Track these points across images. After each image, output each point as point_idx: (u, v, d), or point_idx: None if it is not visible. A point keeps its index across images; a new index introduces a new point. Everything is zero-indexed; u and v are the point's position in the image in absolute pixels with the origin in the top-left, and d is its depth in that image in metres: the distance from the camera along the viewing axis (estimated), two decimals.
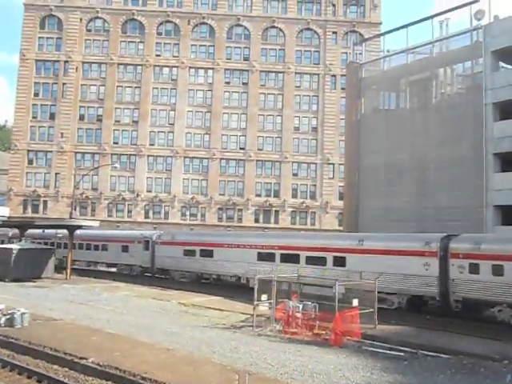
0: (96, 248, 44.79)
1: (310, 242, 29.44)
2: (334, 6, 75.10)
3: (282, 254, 29.51)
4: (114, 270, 44.78)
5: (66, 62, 73.56)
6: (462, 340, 18.16)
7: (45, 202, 71.67)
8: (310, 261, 27.71)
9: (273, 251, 30.07)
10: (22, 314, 18.59)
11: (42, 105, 73.69)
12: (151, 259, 39.28)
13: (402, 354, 16.27)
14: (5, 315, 18.71)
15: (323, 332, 18.45)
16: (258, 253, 30.84)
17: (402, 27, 38.90)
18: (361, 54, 47.42)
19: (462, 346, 16.93)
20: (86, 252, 45.23)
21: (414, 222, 33.09)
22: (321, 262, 27.23)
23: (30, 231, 46.38)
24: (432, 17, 37.83)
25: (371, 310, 19.73)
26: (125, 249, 42.01)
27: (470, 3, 34.47)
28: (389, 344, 17.21)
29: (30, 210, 71.32)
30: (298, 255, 28.69)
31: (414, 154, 35.56)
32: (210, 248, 34.57)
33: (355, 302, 19.19)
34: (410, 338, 18.36)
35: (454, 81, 37.76)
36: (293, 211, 71.16)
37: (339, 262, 26.37)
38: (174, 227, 61.36)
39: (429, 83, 37.28)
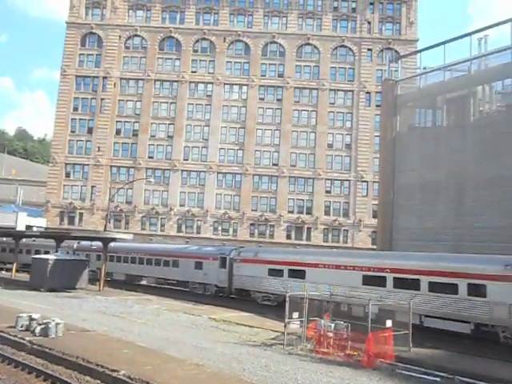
0: (166, 264, 42.02)
1: (434, 265, 24.62)
2: (369, 23, 75.09)
3: (395, 279, 25.46)
4: (175, 288, 42.53)
5: (104, 77, 75.59)
6: (503, 368, 17.44)
7: (80, 214, 73.18)
8: (435, 288, 23.84)
9: (383, 274, 26.15)
10: (57, 324, 18.86)
11: (80, 119, 75.69)
12: (228, 278, 35.83)
13: (437, 379, 15.73)
14: (40, 325, 19.04)
15: (355, 353, 18.05)
16: (364, 276, 27.11)
17: (440, 44, 38.37)
18: (396, 71, 46.98)
19: (503, 375, 16.24)
20: (155, 268, 42.82)
21: (451, 242, 32.24)
22: (450, 289, 23.27)
23: (82, 243, 48.67)
24: (471, 34, 37.20)
25: (406, 331, 19.22)
26: (198, 266, 38.88)
27: (510, 20, 33.80)
28: (424, 368, 16.67)
29: (66, 221, 72.93)
30: (417, 281, 24.59)
31: (451, 173, 34.79)
32: (302, 268, 30.55)
33: (389, 323, 18.73)
34: (447, 362, 17.77)
35: (493, 98, 36.91)
36: (325, 228, 70.57)
37: (477, 290, 22.30)
38: (206, 242, 61.59)
39: (467, 101, 36.55)
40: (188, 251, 41.97)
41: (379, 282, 26.04)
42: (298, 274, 30.44)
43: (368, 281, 26.81)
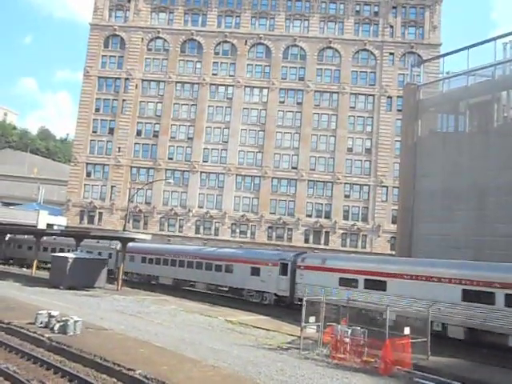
0: (218, 269, 38.59)
1: None
2: (391, 27, 74.58)
3: (508, 296, 21.74)
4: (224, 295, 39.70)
5: (126, 79, 76.38)
6: None
7: (100, 214, 73.96)
8: None
9: (490, 290, 22.37)
10: (75, 321, 19.05)
11: (102, 120, 76.57)
12: (290, 287, 32.50)
13: None
14: (59, 322, 19.26)
15: (372, 360, 17.85)
16: (464, 290, 23.47)
17: (463, 49, 37.92)
18: (418, 75, 46.54)
19: None
20: (206, 273, 39.37)
21: (471, 249, 31.74)
22: None
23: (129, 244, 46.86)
24: (495, 38, 36.68)
25: (424, 339, 18.95)
26: (255, 272, 35.46)
27: None
28: (441, 377, 16.41)
29: (86, 220, 73.77)
30: None
31: (473, 180, 34.28)
32: (382, 279, 27.01)
33: (407, 331, 18.49)
34: (465, 372, 17.46)
35: None
36: (343, 233, 70.17)
37: None
38: (224, 244, 61.72)
39: (490, 106, 36.04)
40: (243, 255, 38.60)
41: (485, 298, 22.44)
42: (376, 285, 27.07)
43: (470, 297, 23.14)
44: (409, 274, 25.96)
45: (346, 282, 28.84)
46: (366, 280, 27.85)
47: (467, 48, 37.28)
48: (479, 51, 37.08)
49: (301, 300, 29.25)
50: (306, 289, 28.60)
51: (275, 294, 34.14)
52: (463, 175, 34.91)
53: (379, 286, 27.01)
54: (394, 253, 51.54)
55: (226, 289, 39.52)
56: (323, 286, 28.22)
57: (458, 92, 37.87)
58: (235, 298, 36.85)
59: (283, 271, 33.42)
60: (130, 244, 48.10)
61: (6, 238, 58.12)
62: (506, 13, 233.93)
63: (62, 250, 47.17)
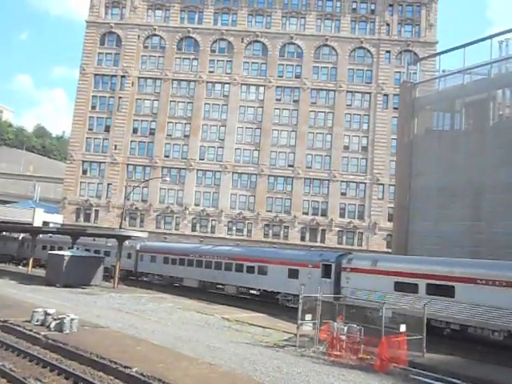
0: (250, 270, 35.41)
1: None
2: (388, 25, 74.63)
3: None
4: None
5: (122, 76, 76.18)
6: None
7: (96, 212, 73.83)
8: None
9: None
10: (71, 319, 19.05)
11: (98, 117, 76.38)
12: (334, 291, 28.94)
13: None
14: (55, 320, 19.27)
15: (368, 357, 17.94)
16: None
17: (459, 47, 37.99)
18: (415, 73, 46.61)
19: None
20: (237, 275, 36.08)
21: (467, 247, 31.88)
22: None
23: (148, 244, 46.31)
24: (491, 37, 36.75)
25: (419, 336, 19.03)
26: (293, 274, 32.34)
27: None
28: (437, 374, 16.51)
29: (82, 218, 73.64)
30: None
31: (469, 177, 34.40)
32: (449, 283, 23.72)
33: (403, 328, 18.57)
34: (461, 369, 17.55)
35: None
36: (340, 231, 70.29)
37: None
38: (221, 241, 61.72)
39: (486, 105, 36.11)
40: (280, 256, 35.27)
41: None
42: (442, 290, 23.98)
43: None
44: (486, 278, 22.46)
45: (403, 287, 25.63)
46: (428, 285, 24.65)
47: (463, 46, 37.35)
48: (475, 49, 37.18)
49: (348, 306, 26.23)
50: (354, 293, 27.08)
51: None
52: (459, 173, 35.02)
53: (445, 291, 23.77)
54: (390, 250, 51.69)
55: (258, 293, 36.49)
56: (375, 291, 26.35)
57: (454, 90, 37.94)
58: (235, 297, 36.73)
59: (326, 273, 30.34)
60: (152, 243, 47.23)
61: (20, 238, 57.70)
62: (501, 11, 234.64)
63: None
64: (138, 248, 45.62)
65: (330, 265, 30.36)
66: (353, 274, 28.57)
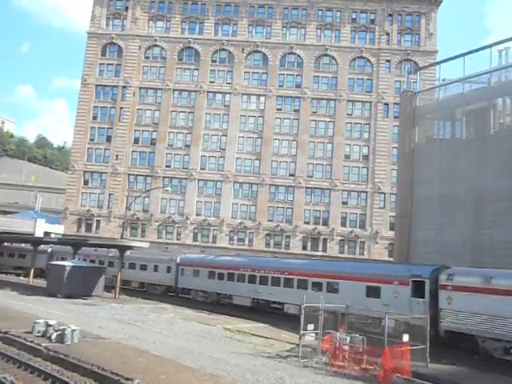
0: (317, 287, 30.56)
1: None
2: (388, 34, 74.99)
3: None
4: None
5: (123, 87, 76.48)
6: None
7: (98, 222, 73.78)
8: None
9: None
10: (73, 330, 18.98)
11: (99, 128, 76.56)
12: (432, 315, 22.34)
13: None
14: (56, 331, 19.18)
15: (371, 367, 17.81)
16: None
17: (459, 56, 38.11)
18: (415, 82, 46.76)
19: None
20: (299, 292, 29.71)
21: (469, 255, 31.76)
22: None
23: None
24: (491, 45, 36.88)
25: (423, 346, 18.91)
26: (373, 291, 27.66)
27: None
28: None
29: (83, 228, 73.58)
30: None
31: (470, 186, 34.35)
32: None
33: (406, 338, 18.45)
34: (465, 379, 17.44)
35: None
36: (341, 240, 70.14)
37: None
38: (222, 251, 61.58)
39: (486, 113, 36.16)
40: (355, 270, 30.65)
41: None
42: None
43: None
44: None
45: None
46: None
47: (463, 55, 37.47)
48: (475, 58, 37.34)
49: (450, 332, 23.32)
50: (459, 318, 22.56)
51: (407, 323, 23.37)
52: (460, 181, 34.98)
53: None
54: (392, 259, 51.52)
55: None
56: (492, 316, 21.56)
57: (455, 99, 38.01)
58: (236, 307, 36.36)
59: (417, 292, 25.41)
60: (194, 255, 44.85)
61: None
62: (499, 20, 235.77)
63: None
64: (178, 261, 42.84)
65: (423, 281, 25.49)
66: (456, 294, 23.47)
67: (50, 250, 55.15)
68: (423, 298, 24.99)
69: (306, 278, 31.76)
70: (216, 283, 38.55)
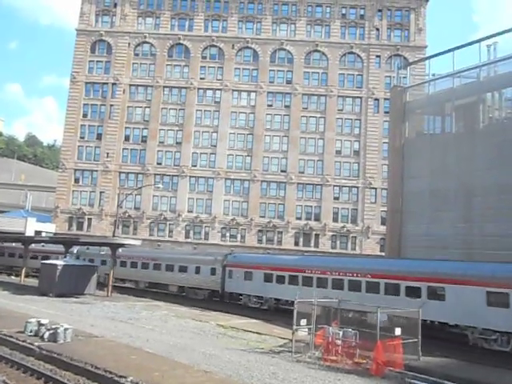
0: (413, 293, 25.08)
1: None
2: (377, 29, 75.13)
3: None
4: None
5: (113, 84, 76.07)
6: None
7: (89, 220, 73.47)
8: None
9: None
10: (65, 329, 18.91)
11: (89, 125, 76.15)
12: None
13: None
14: (49, 330, 19.10)
15: (364, 361, 17.94)
16: None
17: (448, 51, 38.29)
18: (405, 77, 46.92)
19: None
20: (386, 299, 24.55)
21: (460, 249, 32.01)
22: None
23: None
24: (479, 40, 37.08)
25: (415, 339, 19.04)
26: (497, 300, 21.90)
27: None
28: (433, 377, 16.49)
29: (74, 227, 73.25)
30: None
31: (460, 180, 34.60)
32: None
33: (398, 331, 18.56)
34: (457, 372, 17.59)
35: (503, 105, 36.72)
36: (333, 235, 70.37)
37: None
38: (214, 248, 61.57)
39: (476, 108, 36.40)
40: (467, 271, 24.05)
41: None
42: None
43: None
44: None
45: None
46: None
47: (452, 50, 37.65)
48: (464, 53, 37.52)
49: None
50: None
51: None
52: (450, 176, 35.20)
53: None
54: (383, 254, 51.82)
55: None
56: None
57: (444, 94, 38.20)
58: (229, 304, 36.39)
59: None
60: (244, 254, 40.87)
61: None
62: (487, 15, 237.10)
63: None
64: (224, 262, 38.09)
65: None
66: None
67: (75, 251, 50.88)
68: None
69: (396, 281, 26.40)
70: (276, 288, 33.13)
